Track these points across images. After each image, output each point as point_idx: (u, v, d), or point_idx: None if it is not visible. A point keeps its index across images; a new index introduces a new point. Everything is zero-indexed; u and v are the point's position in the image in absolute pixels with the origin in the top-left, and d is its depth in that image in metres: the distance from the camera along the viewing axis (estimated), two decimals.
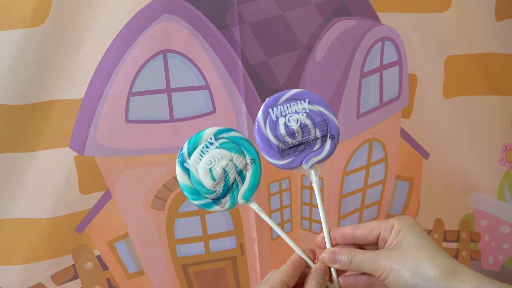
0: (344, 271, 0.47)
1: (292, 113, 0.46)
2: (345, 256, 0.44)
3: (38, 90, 0.57)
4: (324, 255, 0.46)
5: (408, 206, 0.78)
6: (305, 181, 0.72)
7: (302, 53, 0.64)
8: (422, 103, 0.71)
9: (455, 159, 0.75)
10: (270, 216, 0.71)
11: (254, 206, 0.47)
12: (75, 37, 0.57)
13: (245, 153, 0.47)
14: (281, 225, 0.73)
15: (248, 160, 0.46)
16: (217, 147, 0.46)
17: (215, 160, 0.46)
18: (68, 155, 0.60)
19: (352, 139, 0.70)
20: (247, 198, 0.47)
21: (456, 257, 0.81)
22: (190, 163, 0.46)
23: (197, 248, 0.70)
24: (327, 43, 0.65)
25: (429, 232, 0.79)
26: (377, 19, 0.66)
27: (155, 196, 0.66)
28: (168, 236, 0.68)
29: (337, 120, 0.47)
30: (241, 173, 0.46)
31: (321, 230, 0.48)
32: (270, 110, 0.47)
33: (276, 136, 0.46)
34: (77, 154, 0.60)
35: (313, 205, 0.73)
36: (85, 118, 0.59)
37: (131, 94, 0.60)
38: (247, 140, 0.47)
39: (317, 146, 0.47)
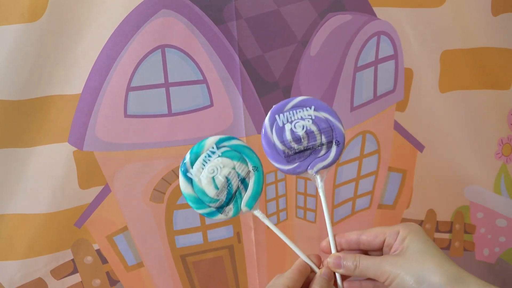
0: (349, 276, 0.47)
1: (298, 119, 0.46)
2: (350, 261, 0.44)
3: (36, 85, 0.57)
4: (329, 260, 0.45)
5: (400, 197, 0.78)
6: None
7: (297, 47, 0.64)
8: (418, 97, 0.72)
9: (451, 153, 0.75)
10: (265, 205, 0.72)
11: (258, 213, 0.47)
12: (73, 32, 0.57)
13: (247, 160, 0.46)
14: (276, 213, 0.73)
15: (251, 168, 0.46)
16: (219, 156, 0.46)
17: (217, 169, 0.45)
18: (67, 150, 0.60)
19: (345, 132, 0.71)
20: (251, 205, 0.46)
21: (448, 247, 0.82)
22: (193, 172, 0.45)
23: (196, 238, 0.71)
24: (322, 38, 0.65)
25: (420, 223, 0.80)
26: (373, 13, 0.66)
27: (154, 189, 0.66)
28: (167, 227, 0.69)
29: (343, 127, 0.47)
30: (243, 181, 0.46)
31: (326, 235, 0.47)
32: (276, 116, 0.46)
33: (283, 141, 0.46)
34: (76, 149, 0.60)
35: (307, 195, 0.74)
36: (83, 113, 0.59)
37: (129, 89, 0.60)
38: (249, 148, 0.47)
39: (322, 152, 0.46)
